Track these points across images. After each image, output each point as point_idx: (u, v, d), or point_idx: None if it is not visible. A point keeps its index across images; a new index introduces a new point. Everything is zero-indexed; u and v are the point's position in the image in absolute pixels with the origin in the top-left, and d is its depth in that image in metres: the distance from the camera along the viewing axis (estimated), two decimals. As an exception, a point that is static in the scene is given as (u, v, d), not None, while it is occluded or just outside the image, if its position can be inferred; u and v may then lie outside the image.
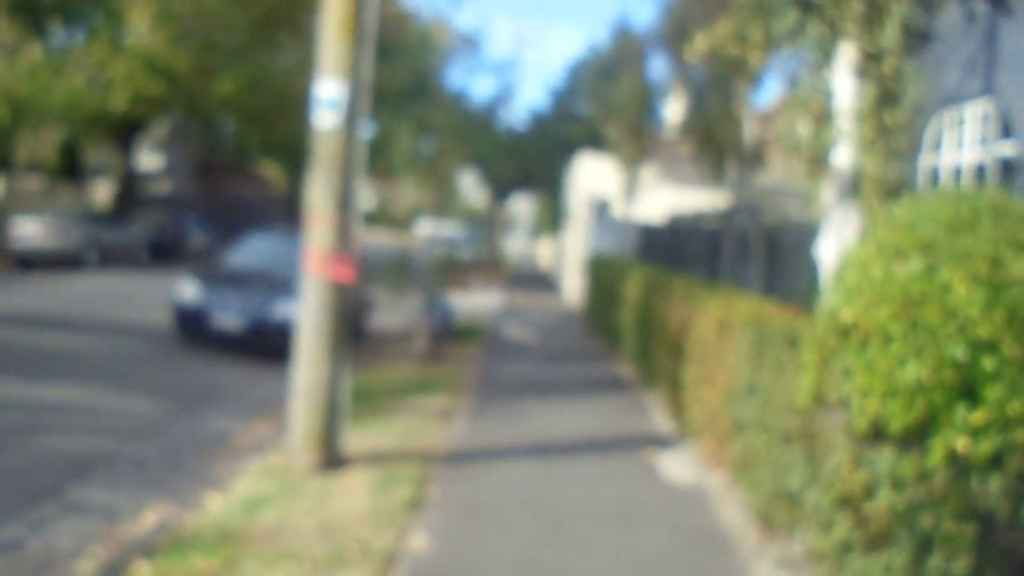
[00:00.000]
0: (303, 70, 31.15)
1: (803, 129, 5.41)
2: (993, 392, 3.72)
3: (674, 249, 13.27)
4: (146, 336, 13.18)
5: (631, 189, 21.52)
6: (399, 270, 13.93)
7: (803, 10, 5.18)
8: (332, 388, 6.92)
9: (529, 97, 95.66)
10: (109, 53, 25.52)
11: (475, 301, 22.74)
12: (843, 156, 5.54)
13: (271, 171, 51.08)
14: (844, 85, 5.53)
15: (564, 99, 43.29)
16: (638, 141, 20.61)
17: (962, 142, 9.31)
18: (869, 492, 4.04)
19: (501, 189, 52.11)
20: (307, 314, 6.94)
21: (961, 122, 9.36)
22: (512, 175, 47.80)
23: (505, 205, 59.32)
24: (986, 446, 3.79)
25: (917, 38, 5.10)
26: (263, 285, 12.77)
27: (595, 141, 25.88)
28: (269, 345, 11.88)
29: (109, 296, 18.13)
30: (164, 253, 29.79)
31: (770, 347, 5.47)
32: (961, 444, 3.79)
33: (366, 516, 5.89)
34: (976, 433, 3.79)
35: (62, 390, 9.19)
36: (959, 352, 3.66)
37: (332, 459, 6.97)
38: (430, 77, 35.66)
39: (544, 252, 59.49)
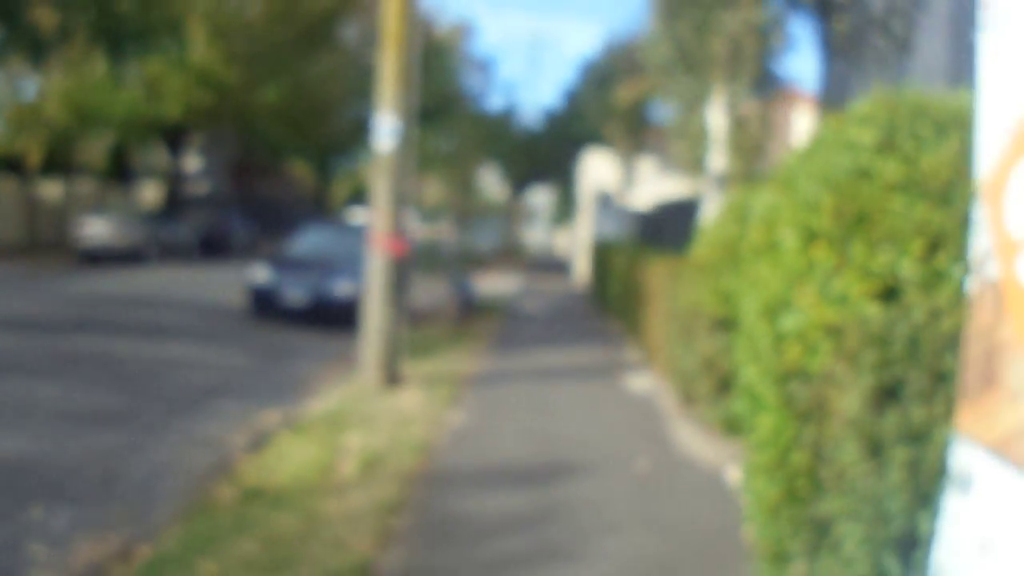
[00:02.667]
0: (335, 77, 34.11)
1: (684, 148, 8.41)
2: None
3: (657, 229, 16.17)
4: (223, 313, 15.94)
5: (628, 180, 24.42)
6: (430, 256, 16.81)
7: (687, 70, 8.08)
8: (392, 327, 9.90)
9: (544, 95, 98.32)
10: (166, 68, 27.93)
11: (495, 284, 25.22)
12: (714, 161, 8.52)
13: (300, 170, 53.78)
14: (715, 117, 8.50)
15: (575, 98, 45.68)
16: (632, 139, 23.50)
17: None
18: (717, 356, 7.01)
19: (519, 183, 54.60)
20: (373, 278, 9.90)
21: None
22: (528, 170, 50.02)
23: (523, 198, 61.86)
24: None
25: (767, 84, 8.07)
26: (322, 267, 15.39)
27: (599, 138, 28.54)
28: (330, 316, 14.67)
29: (177, 284, 20.80)
30: (213, 248, 32.36)
31: (676, 284, 8.47)
32: (762, 326, 6.74)
33: (421, 405, 8.89)
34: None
35: (178, 348, 12.00)
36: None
37: (393, 378, 9.95)
38: (452, 93, 37.97)
39: (560, 241, 62.15)
